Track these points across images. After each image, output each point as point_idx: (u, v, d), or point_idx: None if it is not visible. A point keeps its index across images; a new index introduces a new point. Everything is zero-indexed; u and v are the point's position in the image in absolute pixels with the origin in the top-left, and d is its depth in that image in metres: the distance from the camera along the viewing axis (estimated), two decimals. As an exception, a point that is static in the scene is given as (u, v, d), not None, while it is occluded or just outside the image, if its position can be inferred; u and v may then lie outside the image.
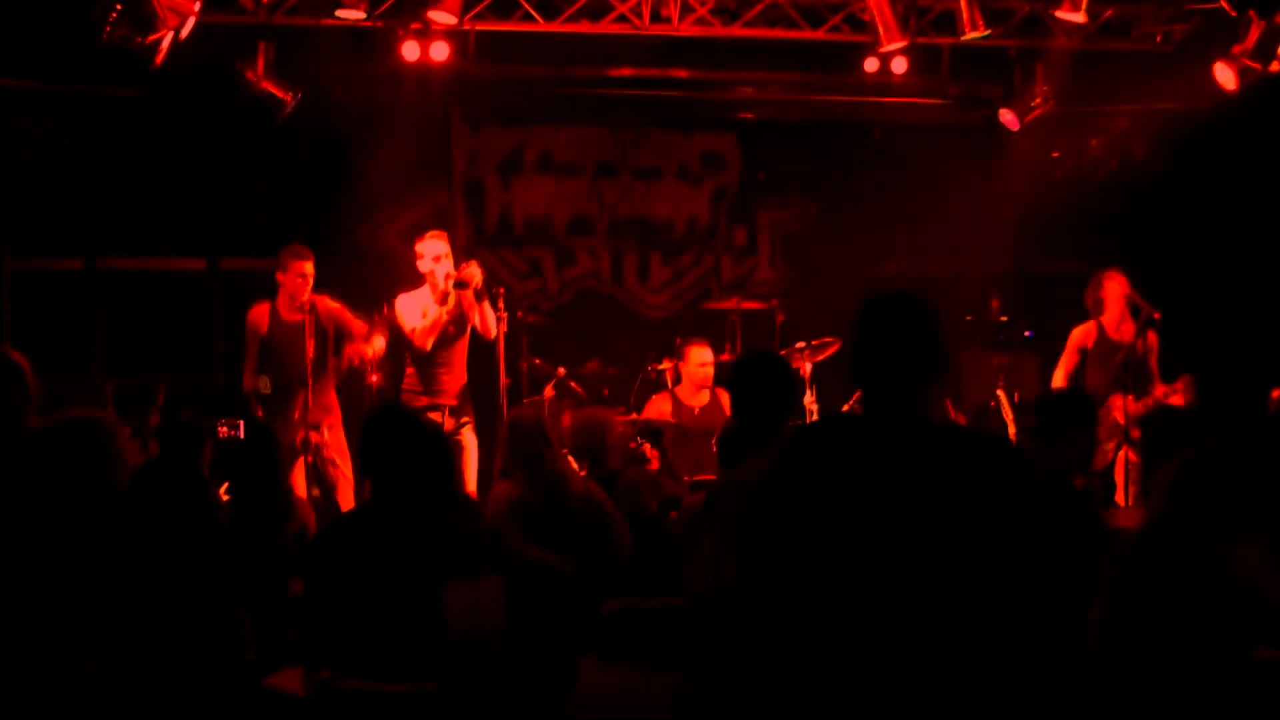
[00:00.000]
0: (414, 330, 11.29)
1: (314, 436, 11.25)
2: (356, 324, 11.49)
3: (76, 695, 4.84)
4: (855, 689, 4.08)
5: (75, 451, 6.70)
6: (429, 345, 11.28)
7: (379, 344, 11.48)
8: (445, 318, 11.31)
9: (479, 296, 11.27)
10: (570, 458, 9.45)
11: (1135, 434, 11.57)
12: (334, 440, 11.47)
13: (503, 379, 11.99)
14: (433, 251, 11.39)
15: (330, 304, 11.53)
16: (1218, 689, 5.60)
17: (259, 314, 11.56)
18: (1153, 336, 11.88)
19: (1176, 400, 11.45)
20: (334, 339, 11.51)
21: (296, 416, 11.19)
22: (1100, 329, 12.07)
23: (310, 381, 11.16)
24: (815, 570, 4.15)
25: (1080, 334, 12.12)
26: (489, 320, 11.33)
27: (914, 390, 4.27)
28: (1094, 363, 12.03)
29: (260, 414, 11.32)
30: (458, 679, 5.10)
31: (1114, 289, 12.04)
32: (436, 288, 11.27)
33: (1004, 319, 14.13)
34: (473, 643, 5.18)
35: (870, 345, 4.33)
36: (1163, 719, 5.63)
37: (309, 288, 11.32)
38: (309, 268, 11.36)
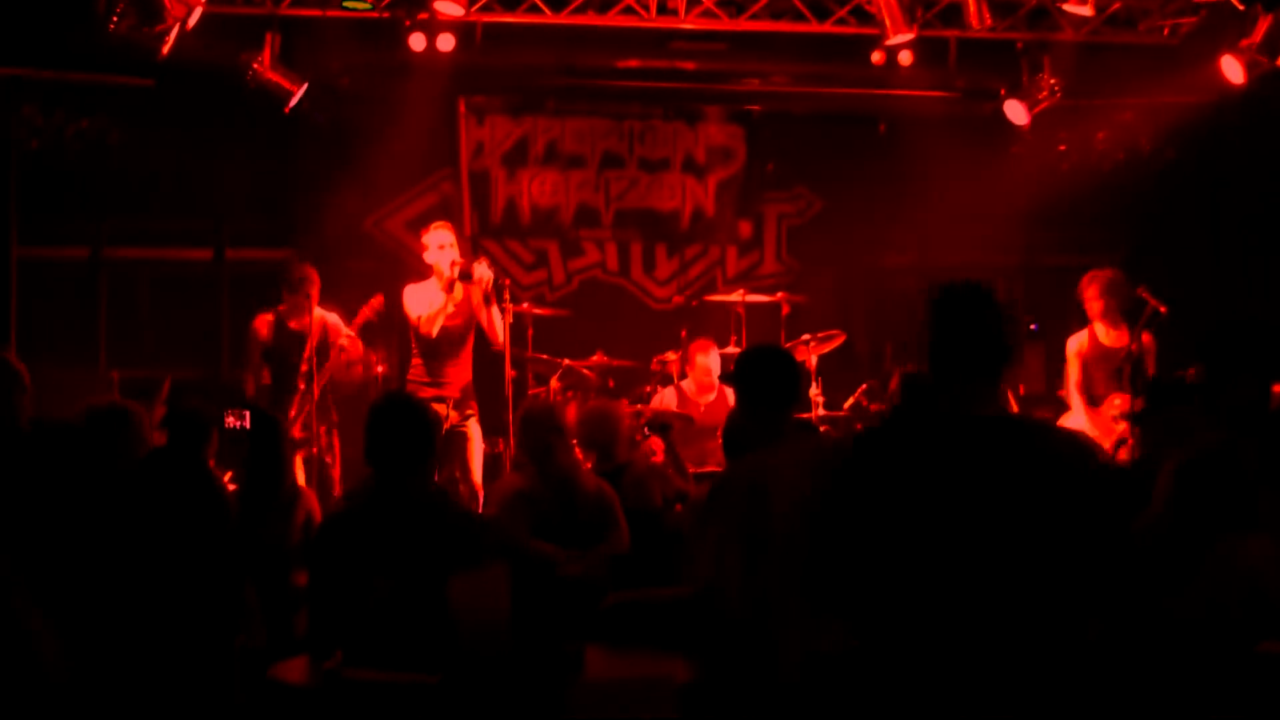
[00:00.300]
0: (419, 318, 11.30)
1: (311, 434, 11.27)
2: (342, 337, 11.56)
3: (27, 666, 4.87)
4: (939, 676, 4.11)
5: (107, 435, 6.77)
6: (435, 332, 11.28)
7: (353, 343, 11.57)
8: (451, 306, 11.31)
9: (488, 300, 11.29)
10: (577, 449, 9.46)
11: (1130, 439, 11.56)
12: (329, 443, 11.49)
13: (509, 371, 12.00)
14: (438, 241, 11.42)
15: (328, 316, 11.59)
16: (1221, 684, 5.59)
17: (263, 323, 11.61)
18: (1148, 337, 11.85)
19: None
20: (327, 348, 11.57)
21: (292, 415, 11.22)
22: (1092, 335, 12.04)
23: (302, 386, 11.24)
24: (896, 561, 4.17)
25: (1075, 343, 12.10)
26: (496, 325, 11.35)
27: (989, 383, 4.30)
28: (1092, 368, 12.00)
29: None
30: (462, 669, 5.11)
31: (1091, 293, 11.99)
32: (443, 277, 11.28)
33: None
34: (477, 633, 5.19)
35: (947, 338, 4.36)
36: (1167, 715, 5.62)
37: (316, 300, 11.40)
38: (313, 274, 11.46)
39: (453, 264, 11.29)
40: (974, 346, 4.31)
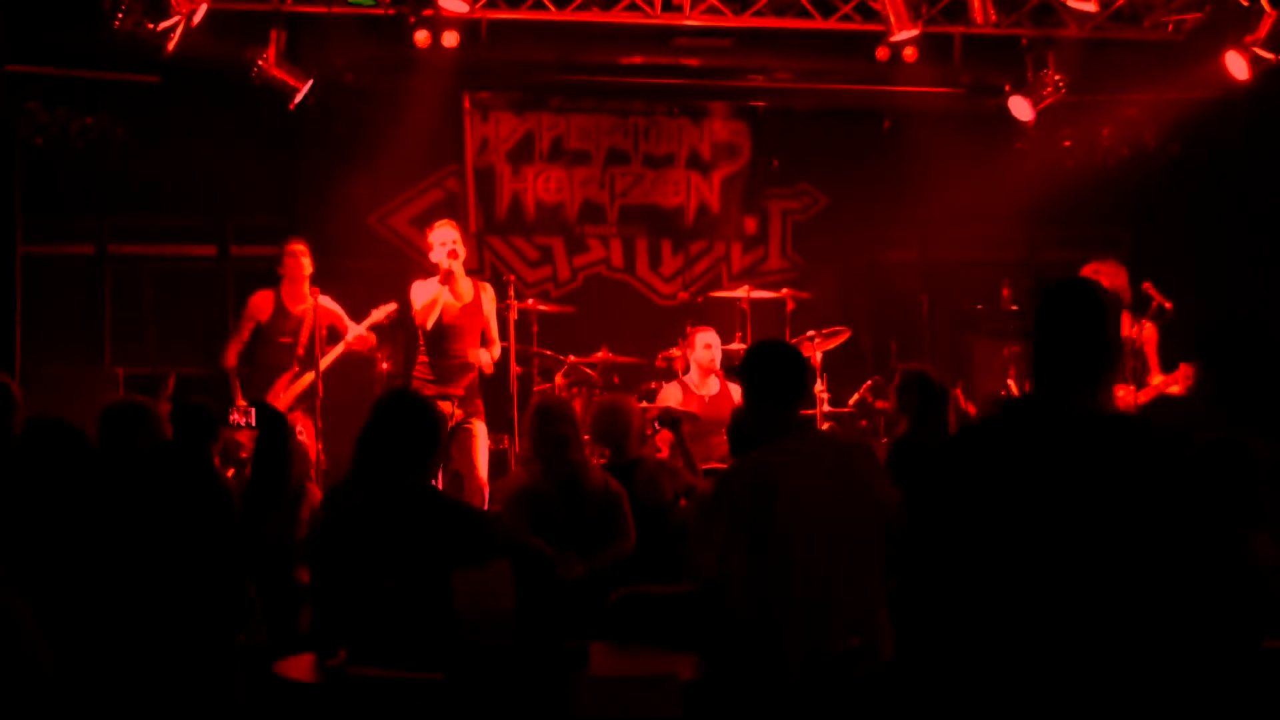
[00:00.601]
0: (417, 310, 11.34)
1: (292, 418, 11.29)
2: (346, 326, 11.63)
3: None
4: (1045, 668, 4.13)
5: (125, 432, 6.78)
6: (429, 323, 11.30)
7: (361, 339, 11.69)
8: (448, 297, 11.34)
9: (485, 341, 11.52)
10: (590, 444, 9.47)
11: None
12: (309, 429, 11.50)
13: (514, 368, 12.02)
14: (440, 239, 11.43)
15: (328, 303, 11.62)
16: (1227, 679, 5.59)
17: (262, 300, 11.66)
18: (1150, 327, 11.84)
19: (1176, 390, 11.43)
20: (325, 337, 11.59)
21: (278, 391, 11.28)
22: None
23: (296, 368, 11.31)
24: (1007, 558, 4.17)
25: None
26: (495, 348, 11.57)
27: (1098, 381, 4.32)
28: None
29: (239, 393, 11.53)
30: (466, 666, 5.11)
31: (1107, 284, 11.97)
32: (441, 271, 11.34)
33: (1014, 308, 14.11)
34: (481, 629, 5.19)
35: (1056, 336, 4.37)
36: (1172, 709, 5.62)
37: (306, 275, 11.44)
38: (303, 248, 11.52)
39: (450, 254, 11.30)
40: (1085, 344, 4.31)
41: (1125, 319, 11.84)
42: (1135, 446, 4.23)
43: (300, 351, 11.46)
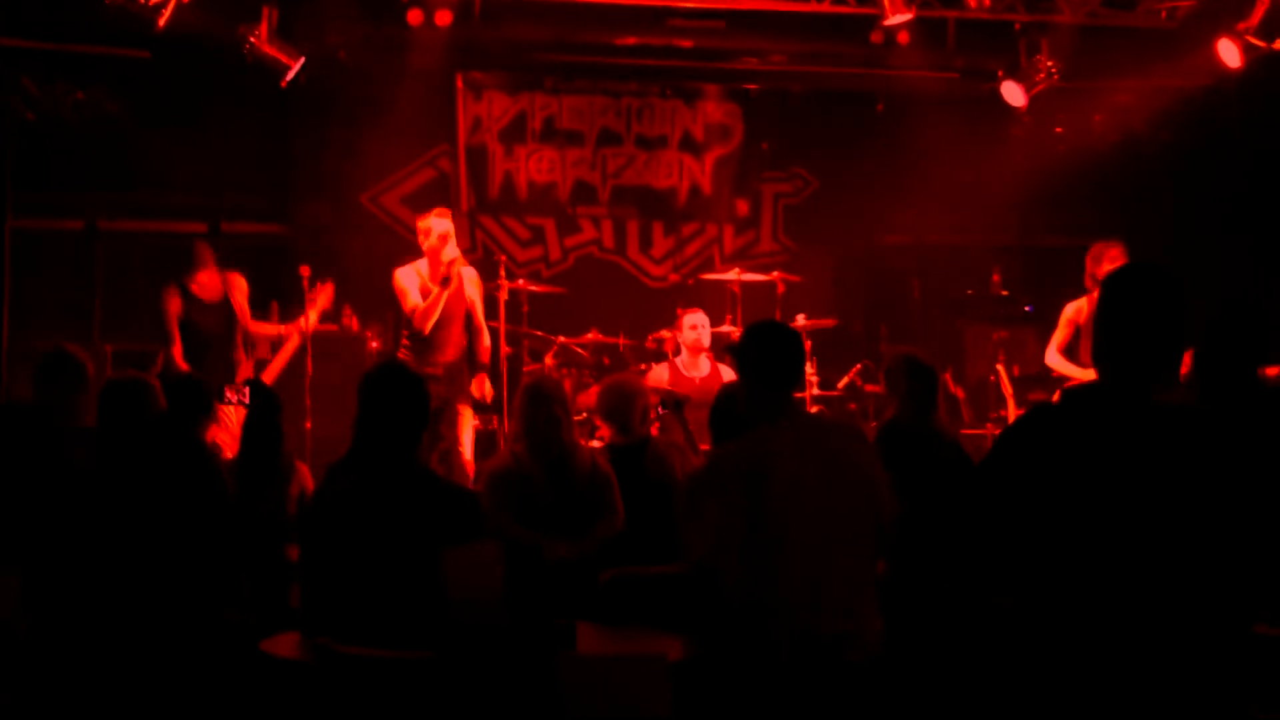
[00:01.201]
0: (415, 310, 11.28)
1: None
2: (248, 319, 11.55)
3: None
4: (1110, 655, 4.15)
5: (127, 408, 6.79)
6: (428, 328, 11.28)
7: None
8: (443, 301, 11.34)
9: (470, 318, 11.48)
10: (587, 422, 9.46)
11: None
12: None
13: (504, 348, 12.02)
14: (438, 230, 11.39)
15: (238, 284, 11.52)
16: (1216, 663, 5.60)
17: (171, 295, 11.43)
18: None
19: None
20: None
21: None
22: (1092, 304, 12.01)
23: (243, 358, 11.25)
24: (1073, 542, 4.18)
25: (1074, 309, 12.01)
26: (484, 333, 11.55)
27: (1169, 370, 4.30)
28: (1087, 338, 11.97)
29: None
30: (454, 644, 5.11)
31: (1103, 265, 11.96)
32: (438, 268, 11.27)
33: (1005, 293, 14.15)
34: (469, 608, 5.18)
35: (1134, 322, 4.32)
36: (1160, 692, 5.63)
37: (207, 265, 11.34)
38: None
39: (451, 261, 11.28)
40: (1159, 331, 4.29)
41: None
42: (1208, 439, 4.20)
43: (239, 339, 11.30)
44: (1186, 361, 10.99)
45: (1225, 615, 4.17)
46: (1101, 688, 4.15)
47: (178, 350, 11.22)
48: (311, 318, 11.26)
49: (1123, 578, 4.13)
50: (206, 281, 11.29)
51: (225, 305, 11.27)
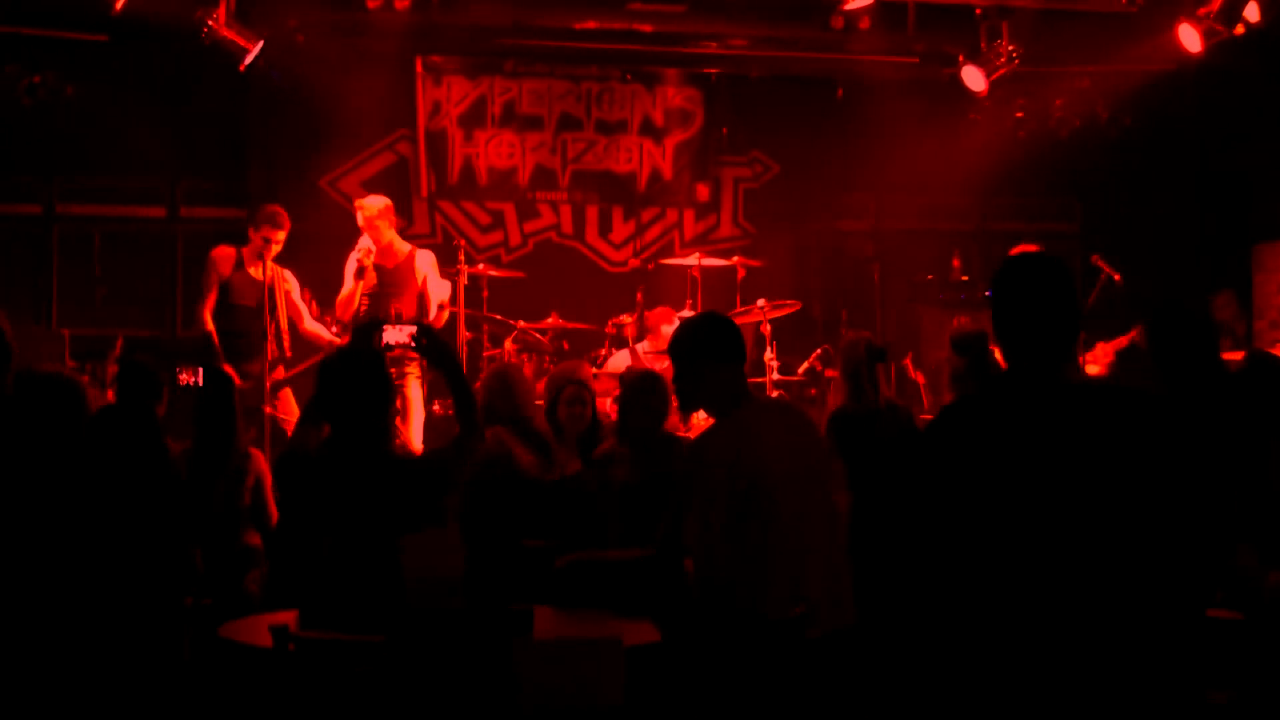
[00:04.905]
0: (339, 300, 11.33)
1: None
2: (296, 310, 11.54)
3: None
4: (1040, 638, 4.16)
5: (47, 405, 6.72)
6: (348, 317, 11.29)
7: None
8: (360, 291, 11.33)
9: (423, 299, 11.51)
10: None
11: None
12: (283, 396, 11.42)
13: (463, 333, 11.99)
14: (363, 215, 11.47)
15: (287, 279, 11.50)
16: (1171, 645, 5.62)
17: (224, 255, 11.47)
18: None
19: (1095, 370, 11.44)
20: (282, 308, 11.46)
21: (257, 370, 11.14)
22: None
23: (269, 343, 11.16)
24: (1000, 531, 4.20)
25: None
26: (431, 304, 11.58)
27: (1067, 349, 4.36)
28: None
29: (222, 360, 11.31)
30: (410, 628, 5.10)
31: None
32: (363, 256, 11.37)
33: (965, 278, 14.16)
34: (428, 592, 5.18)
35: (1026, 308, 4.39)
36: (1117, 673, 5.65)
37: (273, 253, 11.27)
38: (282, 236, 11.29)
39: (367, 251, 11.31)
40: (1054, 315, 4.35)
41: None
42: (1124, 410, 4.25)
43: (270, 323, 11.25)
44: (1111, 354, 11.06)
45: (1159, 589, 4.19)
46: (1034, 672, 4.16)
47: (208, 310, 11.31)
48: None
49: (1048, 556, 4.16)
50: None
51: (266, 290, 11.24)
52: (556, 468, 8.38)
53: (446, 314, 11.84)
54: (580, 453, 8.55)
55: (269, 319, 11.13)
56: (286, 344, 11.37)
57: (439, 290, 11.75)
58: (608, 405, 11.20)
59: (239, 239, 11.66)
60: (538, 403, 9.24)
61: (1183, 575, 4.23)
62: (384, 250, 11.55)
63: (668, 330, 12.42)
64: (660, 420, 7.98)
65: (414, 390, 11.48)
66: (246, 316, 11.29)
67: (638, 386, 8.03)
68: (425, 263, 11.69)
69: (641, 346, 12.59)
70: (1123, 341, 11.34)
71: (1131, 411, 4.27)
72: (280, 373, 11.31)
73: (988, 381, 5.12)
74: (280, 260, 11.39)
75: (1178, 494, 4.16)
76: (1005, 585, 4.21)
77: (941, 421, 4.52)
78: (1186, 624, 4.27)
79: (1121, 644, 4.13)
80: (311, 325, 11.60)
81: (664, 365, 12.24)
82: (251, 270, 11.37)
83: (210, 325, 11.32)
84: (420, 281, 11.61)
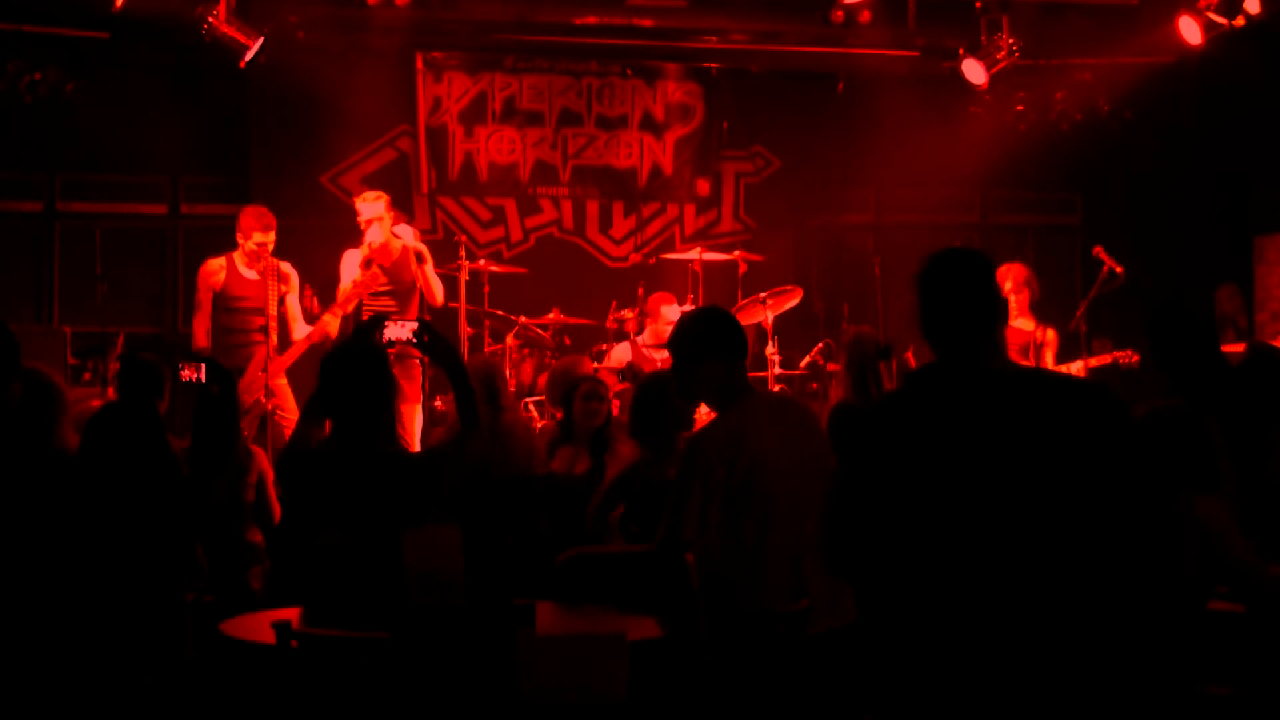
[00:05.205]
0: (339, 293, 11.33)
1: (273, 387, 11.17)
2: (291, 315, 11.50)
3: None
4: (965, 621, 4.19)
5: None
6: (349, 309, 11.28)
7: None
8: (363, 287, 11.31)
9: (420, 259, 11.38)
10: (549, 407, 9.42)
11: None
12: (279, 390, 11.39)
13: (464, 329, 11.99)
14: (365, 214, 11.46)
15: (288, 280, 11.46)
16: (1173, 640, 5.62)
17: (213, 268, 11.39)
18: (1052, 333, 11.93)
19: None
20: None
21: (259, 370, 11.11)
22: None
23: (260, 339, 11.13)
24: (923, 518, 4.23)
25: None
26: (432, 284, 11.49)
27: (990, 338, 4.41)
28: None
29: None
30: (412, 624, 5.10)
31: (1007, 286, 11.97)
32: (365, 249, 11.37)
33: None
34: (429, 587, 5.18)
35: (952, 299, 4.45)
36: (1117, 668, 5.65)
37: (269, 252, 11.21)
38: (271, 236, 11.25)
39: (370, 245, 11.32)
40: (977, 305, 4.40)
41: (1030, 319, 11.91)
42: (1050, 395, 4.30)
43: (263, 321, 11.21)
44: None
45: (1083, 573, 4.21)
46: (962, 662, 4.18)
47: (202, 324, 11.28)
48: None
49: (969, 543, 4.20)
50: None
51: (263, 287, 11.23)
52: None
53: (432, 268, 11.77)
54: (591, 450, 8.56)
55: (269, 315, 11.13)
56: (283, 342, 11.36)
57: (429, 257, 11.73)
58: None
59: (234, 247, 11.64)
60: (534, 398, 9.27)
61: (1107, 558, 4.25)
62: (383, 247, 11.53)
63: (667, 311, 12.44)
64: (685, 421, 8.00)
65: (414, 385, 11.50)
66: (246, 317, 11.28)
67: (658, 389, 8.07)
68: (409, 236, 11.69)
69: (642, 339, 12.59)
70: (1106, 359, 11.41)
71: (1052, 396, 4.34)
72: (279, 362, 11.27)
73: (909, 374, 5.17)
74: (280, 255, 11.37)
75: (1100, 478, 4.19)
76: (930, 572, 4.24)
77: (869, 417, 4.56)
78: (1116, 607, 4.28)
79: (1043, 631, 4.15)
80: (303, 332, 11.52)
81: (664, 357, 12.29)
82: (246, 272, 11.32)
83: (204, 341, 11.26)
84: (416, 266, 11.59)
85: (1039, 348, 11.85)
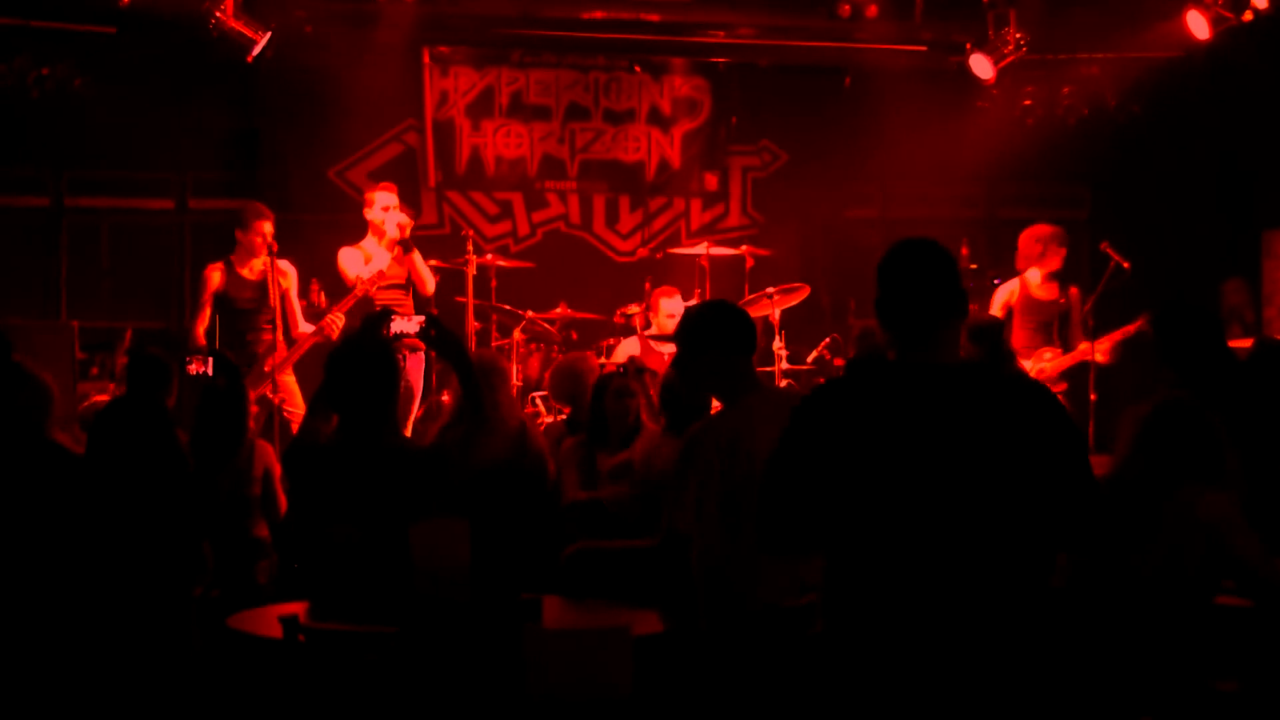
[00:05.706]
0: (358, 278, 11.30)
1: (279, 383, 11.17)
2: (292, 311, 11.48)
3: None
4: (906, 625, 4.17)
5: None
6: (373, 289, 11.27)
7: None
8: (395, 267, 11.33)
9: (406, 248, 11.36)
10: (555, 402, 9.41)
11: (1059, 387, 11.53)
12: (286, 385, 11.39)
13: (472, 323, 12.00)
14: (383, 202, 11.46)
15: (287, 276, 11.44)
16: (1179, 634, 5.62)
17: (213, 270, 11.37)
18: (1074, 292, 11.91)
19: (1101, 359, 11.44)
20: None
21: (266, 369, 11.11)
22: (1023, 285, 12.02)
23: (268, 339, 11.12)
24: (860, 509, 4.22)
25: (1004, 292, 12.08)
26: (421, 272, 11.47)
27: (947, 330, 4.39)
28: (1019, 319, 11.97)
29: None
30: (419, 618, 5.11)
31: (1034, 248, 11.99)
32: (383, 237, 11.34)
33: (973, 266, 14.13)
34: (437, 581, 5.18)
35: (904, 289, 4.44)
36: (1125, 662, 5.65)
37: (268, 247, 11.19)
38: (269, 227, 11.24)
39: (400, 226, 11.31)
40: (930, 296, 4.36)
41: (1053, 286, 11.88)
42: (991, 392, 4.31)
43: (268, 319, 11.19)
44: (1114, 343, 11.06)
45: (1028, 564, 4.21)
46: (907, 653, 4.18)
47: (201, 324, 11.26)
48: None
49: (916, 532, 4.18)
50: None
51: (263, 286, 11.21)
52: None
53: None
54: (622, 444, 8.56)
55: (272, 312, 11.12)
56: (285, 339, 11.35)
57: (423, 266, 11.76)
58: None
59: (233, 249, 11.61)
60: (540, 393, 9.27)
61: (1046, 548, 4.25)
62: (392, 243, 11.54)
63: (667, 304, 12.44)
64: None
65: (413, 380, 11.50)
66: (248, 316, 11.28)
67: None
68: (393, 225, 11.68)
69: (649, 333, 12.59)
70: (1130, 330, 11.34)
71: (992, 391, 4.33)
72: (285, 358, 11.27)
73: (850, 362, 5.13)
74: (287, 251, 11.37)
75: (1039, 472, 4.18)
76: (851, 557, 4.25)
77: (805, 402, 4.52)
78: (1047, 602, 4.28)
79: (969, 621, 4.14)
80: (305, 329, 11.50)
81: (669, 350, 12.30)
82: (244, 271, 11.31)
83: (203, 341, 11.25)
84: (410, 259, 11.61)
85: (1064, 314, 11.82)
